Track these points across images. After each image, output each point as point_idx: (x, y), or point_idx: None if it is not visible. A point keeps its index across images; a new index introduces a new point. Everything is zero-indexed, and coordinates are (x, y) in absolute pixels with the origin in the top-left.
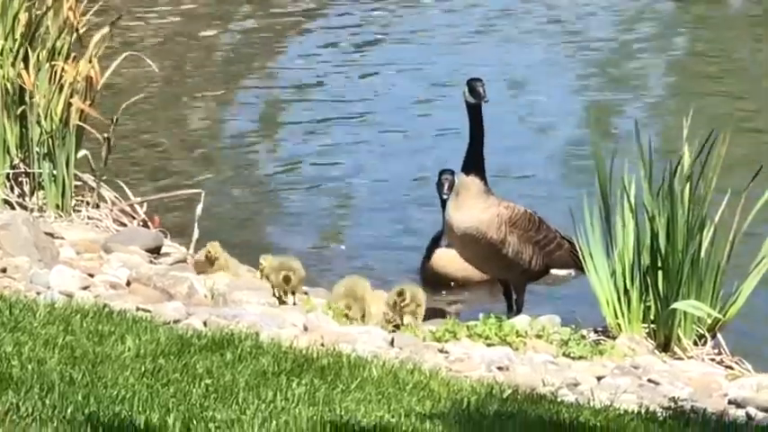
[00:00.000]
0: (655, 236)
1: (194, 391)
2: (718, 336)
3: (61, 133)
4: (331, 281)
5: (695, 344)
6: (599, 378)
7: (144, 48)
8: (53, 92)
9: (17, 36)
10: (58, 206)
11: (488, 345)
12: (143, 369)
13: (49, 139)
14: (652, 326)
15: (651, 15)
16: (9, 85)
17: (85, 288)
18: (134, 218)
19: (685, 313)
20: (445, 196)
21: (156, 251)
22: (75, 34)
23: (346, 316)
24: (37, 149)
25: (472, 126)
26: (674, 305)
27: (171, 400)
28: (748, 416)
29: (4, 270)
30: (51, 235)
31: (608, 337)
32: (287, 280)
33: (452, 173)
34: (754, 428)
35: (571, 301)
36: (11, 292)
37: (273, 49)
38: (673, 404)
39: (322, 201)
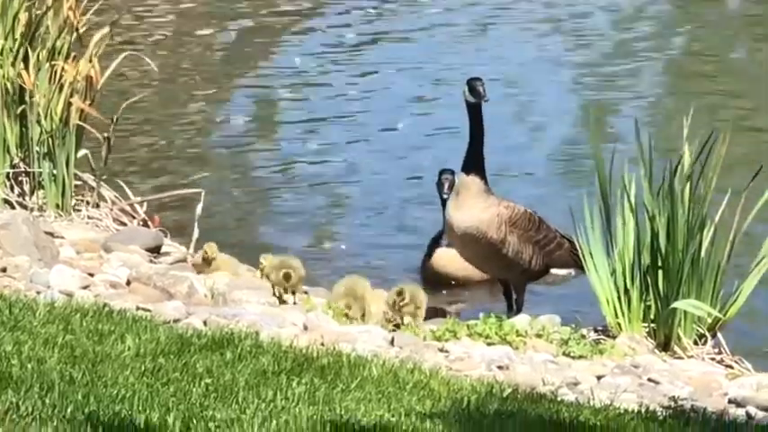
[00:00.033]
0: (655, 235)
1: (194, 390)
2: (719, 335)
3: (61, 133)
4: (331, 280)
5: (695, 343)
6: (599, 377)
7: (144, 46)
8: (53, 91)
9: (17, 36)
10: (58, 205)
11: (488, 344)
12: (143, 368)
13: (49, 139)
14: (652, 325)
15: (649, 14)
16: (9, 85)
17: (85, 287)
18: (134, 217)
19: (685, 312)
20: (445, 196)
21: (156, 250)
22: (75, 34)
23: (346, 315)
24: (37, 149)
25: (472, 125)
26: (675, 304)
27: (171, 399)
28: (748, 415)
29: (4, 269)
30: (51, 234)
31: (608, 336)
32: (287, 277)
33: (452, 172)
34: (754, 428)
35: (571, 301)
36: (11, 292)
37: (271, 47)
38: (673, 403)
39: (322, 200)
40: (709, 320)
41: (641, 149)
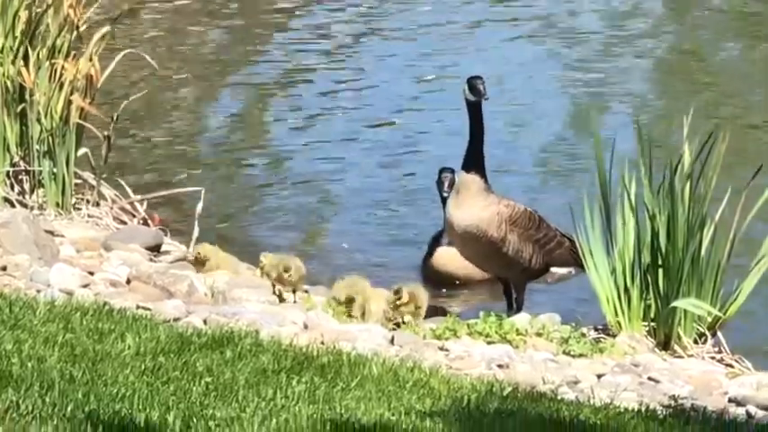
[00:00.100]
0: (655, 234)
1: (194, 389)
2: (719, 334)
3: (61, 131)
4: (331, 279)
5: (695, 342)
6: (599, 376)
7: (139, 44)
8: (53, 90)
9: (17, 34)
10: (58, 204)
11: (489, 343)
12: (143, 367)
13: (50, 137)
14: (652, 324)
15: (641, 12)
16: (9, 83)
17: (85, 286)
18: (134, 216)
19: (685, 311)
20: (445, 194)
21: (156, 249)
22: (75, 32)
23: (348, 314)
24: (37, 147)
25: (472, 124)
26: (675, 303)
27: (171, 398)
28: (748, 414)
29: (5, 268)
30: (51, 233)
31: (608, 335)
32: (286, 269)
33: (452, 171)
34: (754, 427)
35: (571, 300)
36: (11, 290)
37: (265, 44)
38: (673, 402)
39: (322, 198)
40: (710, 319)
41: (641, 148)
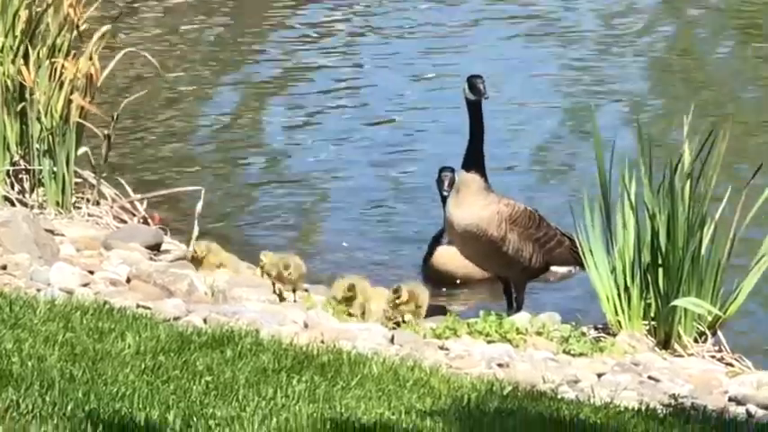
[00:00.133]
0: (655, 233)
1: (194, 388)
2: (719, 333)
3: (61, 130)
4: (331, 278)
5: (695, 341)
6: (599, 375)
7: (136, 41)
8: (53, 89)
9: (17, 33)
10: (58, 203)
11: (489, 342)
12: (143, 366)
13: (50, 136)
14: (652, 323)
15: (638, 10)
16: (9, 82)
17: (85, 285)
18: (134, 215)
19: (686, 310)
20: (445, 193)
21: (156, 248)
22: (75, 31)
23: (348, 313)
24: (37, 146)
25: (472, 123)
26: (675, 302)
27: (171, 397)
28: (748, 413)
29: (5, 267)
30: (51, 232)
31: (608, 334)
32: (286, 267)
33: (452, 170)
34: (754, 425)
35: (571, 299)
36: (11, 289)
37: (263, 43)
38: (673, 401)
39: (323, 197)
40: (710, 318)
41: (641, 147)
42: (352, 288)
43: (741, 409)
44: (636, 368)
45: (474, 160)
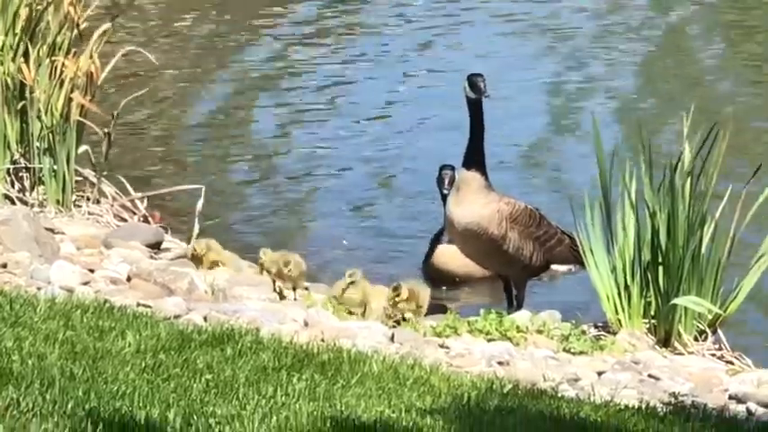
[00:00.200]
0: (655, 232)
1: (195, 386)
2: (719, 331)
3: (62, 128)
4: (331, 276)
5: (696, 339)
6: (599, 373)
7: (134, 39)
8: (53, 87)
9: (17, 31)
10: (58, 201)
11: (489, 340)
12: (143, 364)
13: (50, 135)
14: (652, 321)
15: (632, 6)
16: (9, 81)
17: (86, 283)
18: (134, 213)
19: (686, 309)
20: (446, 191)
21: (156, 246)
22: (75, 29)
23: (348, 311)
24: (37, 144)
25: (473, 121)
26: (675, 301)
27: (171, 395)
28: (749, 411)
29: (5, 265)
30: (52, 230)
31: (608, 332)
32: (286, 263)
33: (453, 168)
34: (754, 423)
35: (572, 297)
36: (11, 288)
37: (256, 40)
38: (673, 399)
39: (321, 196)
40: (710, 317)
41: (642, 146)
42: (353, 289)
43: (741, 407)
44: (636, 366)
45: (474, 158)
